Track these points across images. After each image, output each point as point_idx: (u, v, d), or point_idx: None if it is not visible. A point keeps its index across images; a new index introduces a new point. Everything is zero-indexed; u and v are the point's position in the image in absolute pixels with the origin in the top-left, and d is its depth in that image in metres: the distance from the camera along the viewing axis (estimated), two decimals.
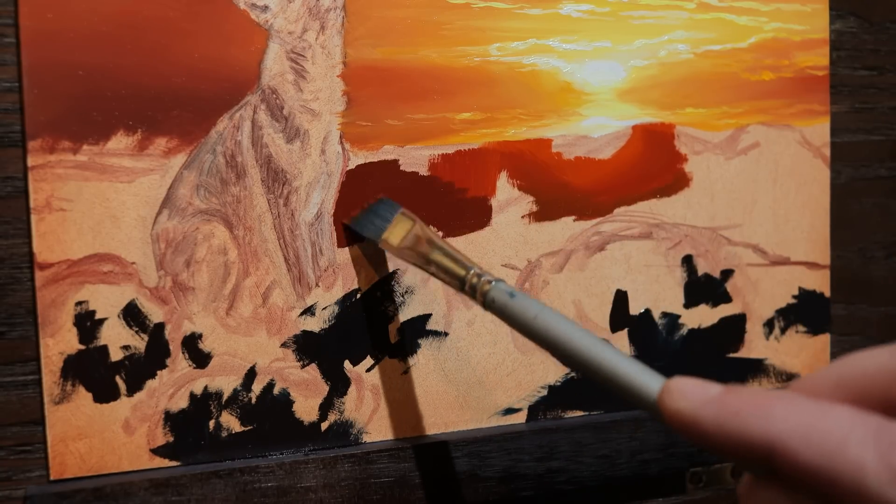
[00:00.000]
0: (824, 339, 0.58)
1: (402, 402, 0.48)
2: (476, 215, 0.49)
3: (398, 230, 0.45)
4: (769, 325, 0.56)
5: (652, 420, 0.52)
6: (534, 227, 0.50)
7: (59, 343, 0.42)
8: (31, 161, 0.42)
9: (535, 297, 0.50)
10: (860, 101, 0.58)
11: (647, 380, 0.32)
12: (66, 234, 0.42)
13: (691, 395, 0.29)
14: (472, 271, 0.41)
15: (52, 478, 0.42)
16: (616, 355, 0.34)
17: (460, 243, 0.49)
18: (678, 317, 0.54)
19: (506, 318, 0.39)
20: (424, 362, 0.48)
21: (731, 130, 0.54)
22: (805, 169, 0.56)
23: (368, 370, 0.47)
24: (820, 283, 0.57)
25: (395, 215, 0.46)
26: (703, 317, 0.54)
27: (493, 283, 0.40)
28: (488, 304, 0.40)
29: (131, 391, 0.43)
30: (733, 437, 0.28)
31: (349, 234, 0.46)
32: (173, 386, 0.44)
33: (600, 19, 0.51)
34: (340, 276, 0.47)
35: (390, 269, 0.47)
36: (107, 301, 0.43)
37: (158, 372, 0.44)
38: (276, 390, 0.46)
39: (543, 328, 0.37)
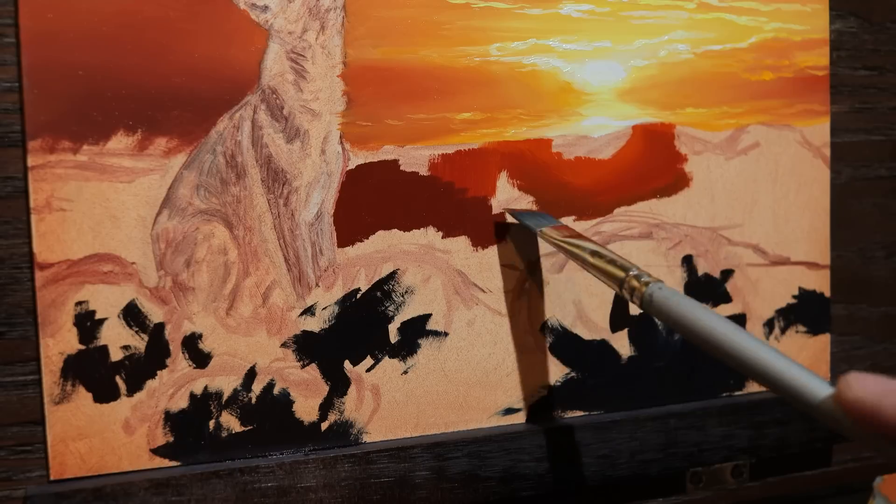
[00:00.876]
0: (824, 339, 0.57)
1: (402, 402, 0.48)
2: (476, 215, 0.49)
3: (557, 232, 0.47)
4: (769, 325, 0.56)
5: (652, 420, 0.52)
6: None
7: (59, 343, 0.42)
8: (31, 161, 0.42)
9: (535, 296, 0.50)
10: (860, 101, 0.58)
11: (812, 380, 0.34)
12: (66, 234, 0.42)
13: (872, 387, 0.31)
14: (630, 273, 0.42)
15: (52, 478, 0.42)
16: (779, 357, 0.35)
17: (460, 243, 0.49)
18: None
19: (665, 317, 0.40)
20: (424, 362, 0.48)
21: (731, 130, 0.54)
22: (805, 169, 0.56)
23: (368, 370, 0.47)
24: (820, 283, 0.57)
25: (557, 223, 0.48)
26: None
27: (652, 283, 0.41)
28: (646, 305, 0.41)
29: (131, 391, 0.43)
30: None
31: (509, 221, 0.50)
32: (173, 386, 0.44)
33: (600, 19, 0.51)
34: (340, 276, 0.47)
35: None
36: (107, 301, 0.43)
37: (158, 372, 0.44)
38: (276, 390, 0.46)
39: (705, 328, 0.38)
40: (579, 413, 0.52)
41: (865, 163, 0.59)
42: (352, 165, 0.47)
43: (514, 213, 0.49)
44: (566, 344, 0.51)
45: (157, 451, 0.44)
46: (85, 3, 0.42)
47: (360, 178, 0.47)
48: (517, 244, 0.50)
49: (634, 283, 0.41)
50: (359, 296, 0.47)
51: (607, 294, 0.52)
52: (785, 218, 0.56)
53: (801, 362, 0.56)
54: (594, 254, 0.44)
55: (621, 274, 0.42)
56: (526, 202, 0.50)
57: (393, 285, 0.48)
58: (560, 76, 0.50)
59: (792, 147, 0.56)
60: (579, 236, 0.46)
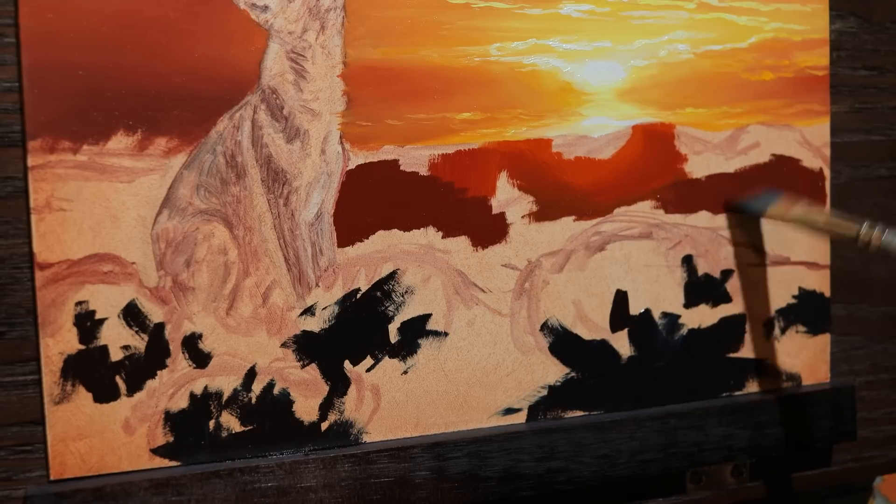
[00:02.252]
0: (824, 339, 0.57)
1: (402, 402, 0.48)
2: (476, 215, 0.49)
3: (782, 207, 0.53)
4: (769, 325, 0.56)
5: (652, 420, 0.52)
6: (534, 227, 0.50)
7: (59, 343, 0.42)
8: (31, 161, 0.42)
9: (535, 296, 0.50)
10: (860, 101, 0.58)
11: None
12: (66, 234, 0.42)
13: None
14: (864, 226, 0.49)
15: (52, 478, 0.42)
16: None
17: (460, 243, 0.49)
18: (678, 317, 0.54)
19: None
20: (424, 362, 0.48)
21: (731, 130, 0.54)
22: (805, 169, 0.56)
23: (368, 370, 0.47)
24: (820, 283, 0.57)
25: (779, 197, 0.53)
26: (703, 317, 0.54)
27: (886, 231, 0.48)
28: (885, 248, 0.48)
29: (131, 391, 0.43)
30: None
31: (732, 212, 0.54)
32: (173, 386, 0.44)
33: (600, 19, 0.51)
34: (340, 276, 0.47)
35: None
36: (107, 301, 0.43)
37: (158, 372, 0.44)
38: (276, 390, 0.46)
39: None
40: (579, 413, 0.52)
41: (865, 163, 0.59)
42: (352, 165, 0.47)
43: (737, 205, 0.54)
44: (566, 344, 0.51)
45: (157, 451, 0.44)
46: (85, 3, 0.42)
47: (360, 178, 0.47)
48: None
49: (869, 234, 0.49)
50: (359, 296, 0.47)
51: (607, 294, 0.52)
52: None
53: (801, 362, 0.57)
54: (820, 226, 0.51)
55: (856, 227, 0.49)
56: (526, 202, 0.50)
57: (393, 285, 0.48)
58: (560, 76, 0.50)
59: (792, 147, 0.56)
60: (805, 208, 0.53)
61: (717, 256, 0.54)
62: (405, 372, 0.48)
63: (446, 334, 0.49)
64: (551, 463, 0.50)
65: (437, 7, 0.48)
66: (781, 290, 0.56)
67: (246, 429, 0.45)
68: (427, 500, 0.47)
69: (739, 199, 0.54)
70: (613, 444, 0.51)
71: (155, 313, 0.44)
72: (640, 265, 0.53)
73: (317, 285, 0.46)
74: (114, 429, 0.43)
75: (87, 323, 0.43)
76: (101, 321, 0.43)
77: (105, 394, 0.43)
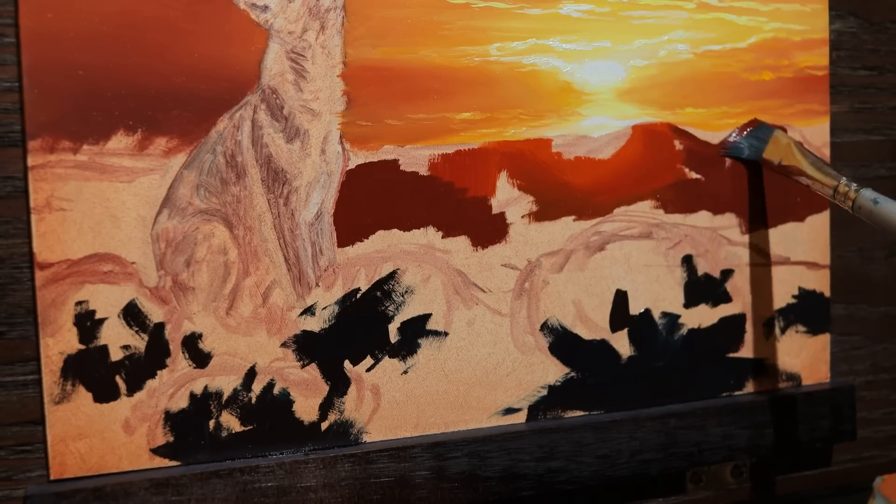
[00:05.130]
0: (824, 339, 0.57)
1: (402, 402, 0.48)
2: (476, 215, 0.49)
3: (775, 148, 0.53)
4: (769, 325, 0.56)
5: (652, 420, 0.52)
6: (534, 227, 0.50)
7: (59, 343, 0.42)
8: (31, 161, 0.42)
9: (535, 296, 0.50)
10: (860, 101, 0.58)
11: None
12: (66, 234, 0.42)
13: None
14: (842, 181, 0.49)
15: (52, 478, 0.42)
16: None
17: (460, 243, 0.49)
18: (678, 317, 0.54)
19: (873, 221, 0.47)
20: (424, 362, 0.48)
21: (731, 130, 0.54)
22: None
23: (368, 370, 0.47)
24: (820, 283, 0.57)
25: (771, 135, 0.53)
26: (703, 317, 0.54)
27: (861, 190, 0.48)
28: (856, 210, 0.48)
29: (131, 391, 0.43)
30: None
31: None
32: (173, 386, 0.44)
33: (600, 19, 0.51)
34: (340, 276, 0.47)
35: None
36: (107, 301, 0.43)
37: (158, 372, 0.44)
38: (276, 390, 0.46)
39: None
40: (579, 413, 0.52)
41: (865, 163, 0.59)
42: (352, 165, 0.47)
43: (729, 151, 0.53)
44: (566, 344, 0.51)
45: (157, 451, 0.44)
46: (85, 3, 0.42)
47: (360, 177, 0.47)
48: None
49: (845, 189, 0.49)
50: (359, 296, 0.47)
51: (607, 294, 0.52)
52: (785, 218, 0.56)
53: (801, 362, 0.57)
54: (804, 173, 0.51)
55: (833, 182, 0.49)
56: (526, 202, 0.50)
57: (393, 285, 0.48)
58: (560, 76, 0.50)
59: None
60: (798, 150, 0.52)
61: (717, 256, 0.54)
62: (405, 372, 0.48)
63: (446, 334, 0.49)
64: (551, 463, 0.50)
65: (437, 7, 0.48)
66: (781, 290, 0.56)
67: (246, 429, 0.45)
68: (427, 500, 0.47)
69: (730, 141, 0.54)
70: (613, 444, 0.51)
71: (155, 313, 0.44)
72: (640, 265, 0.53)
73: (317, 285, 0.46)
74: (114, 429, 0.43)
75: (87, 323, 0.43)
76: (101, 321, 0.43)
77: (105, 394, 0.43)
